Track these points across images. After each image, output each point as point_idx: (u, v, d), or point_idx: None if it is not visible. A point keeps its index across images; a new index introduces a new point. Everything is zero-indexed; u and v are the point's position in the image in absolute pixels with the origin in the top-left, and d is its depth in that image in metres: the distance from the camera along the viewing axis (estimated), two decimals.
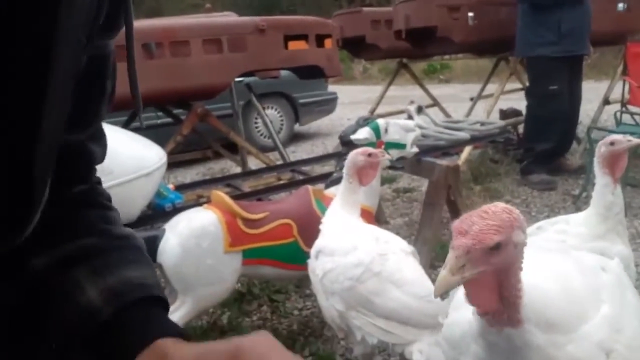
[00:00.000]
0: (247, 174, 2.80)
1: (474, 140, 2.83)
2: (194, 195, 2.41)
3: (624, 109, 4.02)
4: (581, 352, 0.72)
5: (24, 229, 0.46)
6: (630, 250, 1.53)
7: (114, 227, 0.57)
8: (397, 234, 1.64)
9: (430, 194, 2.49)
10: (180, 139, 3.06)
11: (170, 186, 2.23)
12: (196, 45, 2.90)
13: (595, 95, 4.82)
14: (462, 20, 3.90)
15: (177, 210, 1.99)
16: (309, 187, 2.04)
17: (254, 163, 3.93)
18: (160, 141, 2.26)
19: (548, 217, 2.31)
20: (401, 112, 4.09)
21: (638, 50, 3.96)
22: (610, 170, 1.49)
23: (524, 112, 3.89)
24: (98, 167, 0.60)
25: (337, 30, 3.71)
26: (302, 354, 1.83)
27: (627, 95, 4.07)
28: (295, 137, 6.41)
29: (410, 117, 2.84)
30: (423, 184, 3.44)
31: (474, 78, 9.85)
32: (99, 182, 0.60)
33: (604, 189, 1.49)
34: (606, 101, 4.29)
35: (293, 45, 3.18)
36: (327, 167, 3.46)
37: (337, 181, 1.84)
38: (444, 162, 2.43)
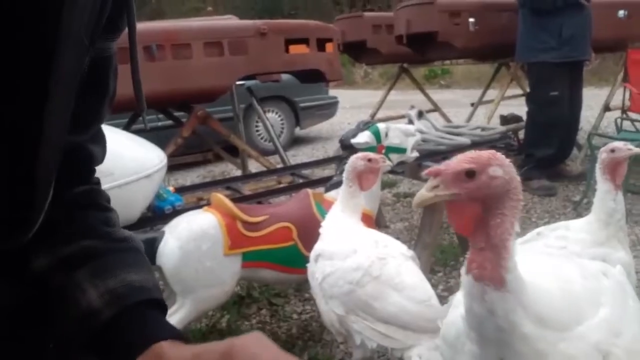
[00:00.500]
0: (248, 177, 2.80)
1: (474, 145, 2.82)
2: (194, 197, 2.41)
3: (624, 115, 4.02)
4: (576, 351, 0.72)
5: (28, 229, 0.46)
6: (631, 257, 1.52)
7: (114, 229, 0.57)
8: (397, 238, 1.64)
9: None
10: (180, 141, 3.06)
11: (170, 188, 2.23)
12: (197, 48, 2.91)
13: (596, 102, 4.83)
14: (463, 26, 3.91)
15: (176, 212, 1.98)
16: (309, 190, 2.04)
17: (254, 166, 3.93)
18: (161, 144, 2.26)
19: (548, 222, 2.30)
20: (402, 116, 4.09)
21: (638, 57, 3.96)
22: (611, 176, 1.49)
23: (524, 117, 3.90)
24: (99, 168, 0.61)
25: (338, 34, 3.71)
26: (302, 357, 1.83)
27: (627, 102, 4.07)
28: (296, 141, 6.42)
29: (410, 122, 2.83)
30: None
31: (474, 83, 9.86)
32: (98, 182, 0.61)
33: (605, 196, 1.49)
34: (607, 108, 4.29)
35: (294, 49, 3.19)
36: (327, 171, 3.45)
37: (338, 185, 1.83)
38: None
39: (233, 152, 4.01)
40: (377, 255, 1.44)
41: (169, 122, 3.79)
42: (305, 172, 2.80)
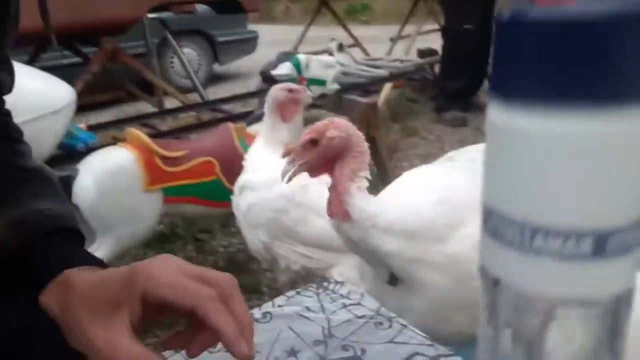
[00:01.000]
0: (164, 112, 2.71)
1: (393, 77, 2.90)
2: (108, 136, 2.30)
3: None
4: (461, 248, 0.79)
5: None
6: None
7: (24, 159, 0.55)
8: None
9: None
10: (89, 77, 2.87)
11: (82, 126, 2.11)
12: None
13: None
14: None
15: (90, 151, 1.89)
16: (231, 124, 2.02)
17: (171, 105, 3.78)
18: (69, 84, 2.11)
19: None
20: (323, 51, 4.07)
21: None
22: None
23: (440, 52, 4.02)
24: None
25: None
26: None
27: None
28: (215, 78, 6.20)
29: (331, 55, 2.84)
30: None
31: (394, 19, 9.89)
32: (8, 114, 0.58)
33: None
34: None
35: None
36: (249, 107, 3.41)
37: (259, 118, 1.82)
38: (363, 99, 2.48)
39: (148, 91, 3.82)
40: (299, 183, 1.47)
41: (77, 59, 3.51)
42: (226, 107, 2.75)
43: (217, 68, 6.32)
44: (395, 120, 3.83)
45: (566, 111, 0.14)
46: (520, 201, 0.15)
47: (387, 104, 4.03)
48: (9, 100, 0.58)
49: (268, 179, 1.52)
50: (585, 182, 0.14)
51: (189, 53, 5.56)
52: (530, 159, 0.14)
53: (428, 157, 2.84)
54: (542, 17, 0.13)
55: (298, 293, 0.67)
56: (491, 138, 0.15)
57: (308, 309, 0.63)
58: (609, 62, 0.13)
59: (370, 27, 10.69)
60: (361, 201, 0.81)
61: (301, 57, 2.14)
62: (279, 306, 0.64)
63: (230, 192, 1.62)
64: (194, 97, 3.77)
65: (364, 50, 5.42)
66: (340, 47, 2.89)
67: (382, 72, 2.80)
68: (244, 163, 1.63)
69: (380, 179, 2.76)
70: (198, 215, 1.98)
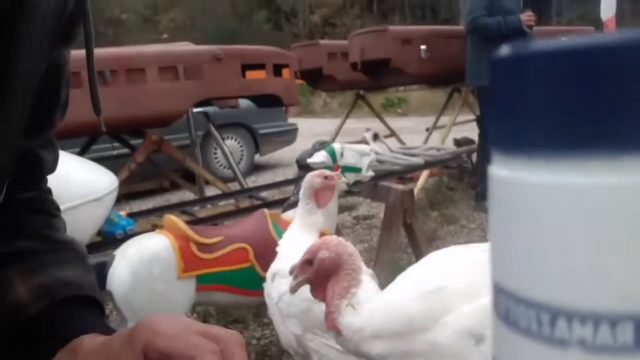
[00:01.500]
0: (204, 200, 2.76)
1: (428, 165, 2.90)
2: (148, 223, 2.35)
3: None
4: (442, 339, 0.81)
5: None
6: None
7: (56, 232, 0.56)
8: None
9: (387, 217, 2.51)
10: (134, 167, 3.00)
11: (122, 213, 2.17)
12: (152, 73, 2.89)
13: None
14: (414, 53, 4.05)
15: (128, 237, 1.92)
16: (266, 210, 2.03)
17: (213, 193, 3.88)
18: (116, 173, 2.21)
19: None
20: (359, 142, 4.17)
21: None
22: None
23: (477, 140, 4.03)
24: None
25: (294, 60, 3.77)
26: None
27: None
28: (256, 168, 6.39)
29: (366, 144, 2.88)
30: (381, 211, 3.48)
31: (430, 111, 10.15)
32: (49, 191, 0.60)
33: None
34: None
35: (250, 74, 3.21)
36: (286, 194, 3.45)
37: (295, 205, 1.83)
38: (399, 186, 2.48)
39: (191, 180, 3.95)
40: None
41: (125, 150, 3.72)
42: (263, 194, 2.79)
43: (259, 158, 6.53)
44: (434, 209, 3.78)
45: (587, 160, 0.11)
46: (535, 277, 0.12)
47: (424, 191, 4.01)
48: (54, 186, 0.61)
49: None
50: (620, 250, 0.11)
51: (232, 144, 5.81)
52: (545, 223, 0.12)
53: None
54: (551, 48, 0.11)
55: None
56: (496, 201, 0.13)
57: None
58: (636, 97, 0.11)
59: (407, 118, 10.98)
60: (349, 317, 0.88)
61: (336, 146, 2.18)
62: None
63: (264, 280, 1.58)
64: (235, 186, 3.87)
65: (400, 140, 5.51)
66: (376, 137, 2.94)
67: (418, 160, 2.80)
68: (278, 249, 1.60)
69: None
70: (230, 304, 1.93)
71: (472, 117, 4.88)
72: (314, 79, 5.32)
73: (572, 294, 0.12)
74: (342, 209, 2.83)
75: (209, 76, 3.05)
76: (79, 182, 1.74)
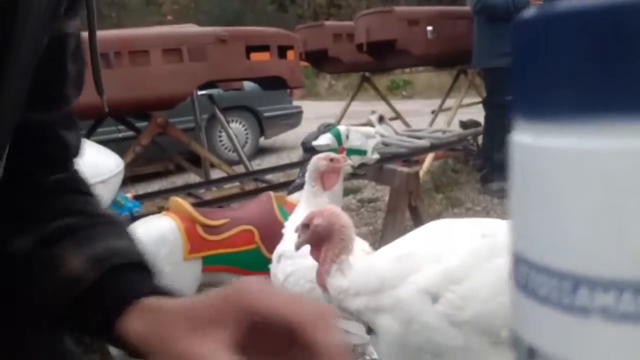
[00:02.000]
0: (209, 182, 2.76)
1: (434, 147, 2.88)
2: (154, 206, 2.36)
3: None
4: (404, 295, 0.90)
5: None
6: None
7: (96, 208, 0.56)
8: None
9: (392, 200, 2.51)
10: (139, 149, 3.00)
11: (129, 195, 2.18)
12: (156, 55, 2.87)
13: None
14: (421, 34, 4.00)
15: (134, 219, 1.94)
16: (271, 193, 2.03)
17: (218, 176, 3.89)
18: (121, 156, 2.21)
19: None
20: (364, 124, 4.15)
21: None
22: None
23: (482, 123, 4.00)
24: None
25: (299, 42, 3.74)
26: None
27: None
28: (261, 151, 6.39)
29: (372, 126, 2.87)
30: (386, 194, 3.48)
31: (436, 93, 10.07)
32: (80, 173, 0.59)
33: None
34: None
35: (255, 56, 3.19)
36: (291, 177, 3.46)
37: (300, 187, 1.83)
38: (404, 169, 2.47)
39: (196, 163, 3.96)
40: None
41: (130, 133, 3.72)
42: (269, 177, 2.79)
43: (263, 141, 6.52)
44: (439, 191, 3.77)
45: (613, 124, 0.11)
46: (557, 245, 0.12)
47: (429, 174, 4.00)
48: None
49: (306, 248, 1.49)
50: None
51: (236, 127, 5.80)
52: (568, 189, 0.11)
53: None
54: (580, 7, 0.11)
55: None
56: (517, 169, 0.13)
57: None
58: None
59: (412, 101, 10.90)
60: (337, 280, 0.98)
61: (341, 128, 2.17)
62: None
63: (269, 261, 1.59)
64: (240, 169, 3.87)
65: (405, 123, 5.48)
66: (381, 119, 2.92)
67: (424, 143, 2.79)
68: (284, 231, 1.61)
69: None
70: None
71: (479, 99, 4.85)
72: (319, 60, 5.28)
73: (595, 261, 0.11)
74: (346, 192, 2.83)
75: (213, 58, 3.03)
76: (85, 165, 1.74)
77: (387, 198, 3.45)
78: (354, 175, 2.32)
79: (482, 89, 4.44)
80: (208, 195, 2.41)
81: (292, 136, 7.18)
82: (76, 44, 0.53)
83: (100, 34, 0.57)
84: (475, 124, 4.55)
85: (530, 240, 0.12)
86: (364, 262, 1.04)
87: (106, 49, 2.74)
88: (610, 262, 0.11)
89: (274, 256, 1.55)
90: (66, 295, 0.47)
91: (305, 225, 1.06)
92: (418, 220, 2.48)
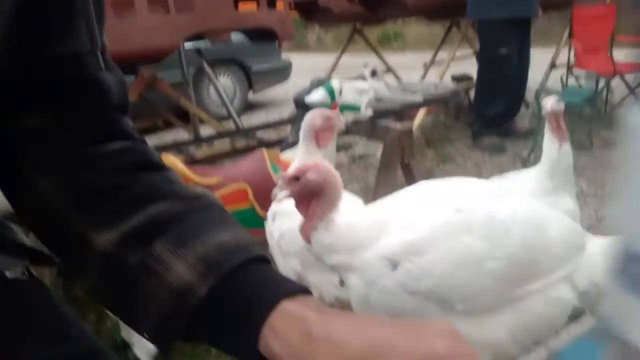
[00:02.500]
0: (200, 140, 2.73)
1: (427, 102, 2.85)
2: None
3: (569, 72, 4.14)
4: (368, 258, 0.95)
5: None
6: (577, 207, 1.58)
7: (181, 187, 0.48)
8: None
9: (384, 157, 2.50)
10: None
11: None
12: (141, 6, 2.76)
13: (542, 61, 4.94)
14: None
15: None
16: (264, 150, 2.01)
17: (207, 132, 3.83)
18: None
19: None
20: (356, 78, 4.07)
21: (584, 14, 4.06)
22: (553, 128, 1.53)
23: (474, 77, 3.95)
24: None
25: None
26: None
27: (572, 59, 4.19)
28: (250, 106, 6.29)
29: (364, 80, 2.81)
30: (378, 150, 3.46)
31: (427, 46, 9.89)
32: (144, 141, 0.51)
33: (550, 147, 1.53)
34: (553, 65, 4.40)
35: (243, 6, 3.08)
36: (282, 133, 3.41)
37: (293, 145, 1.80)
38: (397, 125, 2.44)
39: (185, 119, 3.89)
40: None
41: None
42: (260, 134, 2.75)
43: (252, 96, 6.41)
44: (430, 147, 3.76)
45: None
46: None
47: (421, 130, 3.97)
48: None
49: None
50: None
51: (225, 82, 5.68)
52: None
53: None
54: None
55: None
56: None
57: None
58: None
59: (404, 54, 10.72)
60: (321, 235, 1.00)
61: (334, 83, 2.12)
62: None
63: (264, 219, 1.59)
64: (229, 125, 3.81)
65: (397, 77, 5.40)
66: (374, 73, 2.86)
67: (416, 98, 2.75)
68: None
69: None
70: None
71: (471, 52, 4.77)
72: (309, 11, 5.12)
73: None
74: (337, 148, 2.78)
75: (200, 8, 2.91)
76: None
77: (378, 154, 3.43)
78: (346, 132, 2.30)
79: (475, 41, 4.36)
80: (200, 154, 2.38)
81: (282, 90, 7.07)
82: None
83: None
84: (467, 77, 4.49)
85: None
86: (347, 221, 1.04)
87: None
88: None
89: (269, 214, 1.55)
90: (180, 311, 0.41)
91: (295, 178, 1.04)
92: (410, 177, 2.48)
